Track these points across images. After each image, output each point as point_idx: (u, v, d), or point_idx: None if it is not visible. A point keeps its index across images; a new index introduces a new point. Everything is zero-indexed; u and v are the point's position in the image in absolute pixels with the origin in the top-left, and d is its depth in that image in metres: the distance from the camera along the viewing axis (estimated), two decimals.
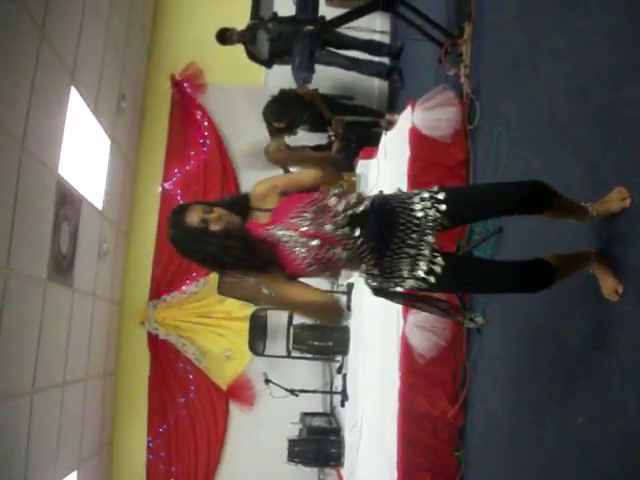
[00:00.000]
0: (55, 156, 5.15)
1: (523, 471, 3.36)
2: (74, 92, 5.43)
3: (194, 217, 2.48)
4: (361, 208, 2.52)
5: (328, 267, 2.54)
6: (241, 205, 2.63)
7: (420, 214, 2.52)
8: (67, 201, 5.47)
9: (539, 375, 3.30)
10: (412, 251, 2.50)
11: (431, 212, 2.52)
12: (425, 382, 4.22)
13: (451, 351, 4.16)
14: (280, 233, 2.54)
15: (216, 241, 2.45)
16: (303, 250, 2.49)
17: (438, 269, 2.48)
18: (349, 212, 2.51)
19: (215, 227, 2.45)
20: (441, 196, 2.54)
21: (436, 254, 2.50)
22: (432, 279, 2.49)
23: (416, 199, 2.56)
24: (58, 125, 5.18)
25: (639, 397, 2.41)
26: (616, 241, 2.67)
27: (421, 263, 2.49)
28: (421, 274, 2.49)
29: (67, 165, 5.37)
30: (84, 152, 5.98)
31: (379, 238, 2.50)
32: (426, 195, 2.56)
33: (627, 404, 2.47)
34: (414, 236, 2.51)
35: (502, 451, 3.67)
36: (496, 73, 4.31)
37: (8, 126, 4.24)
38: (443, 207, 2.51)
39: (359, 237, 2.49)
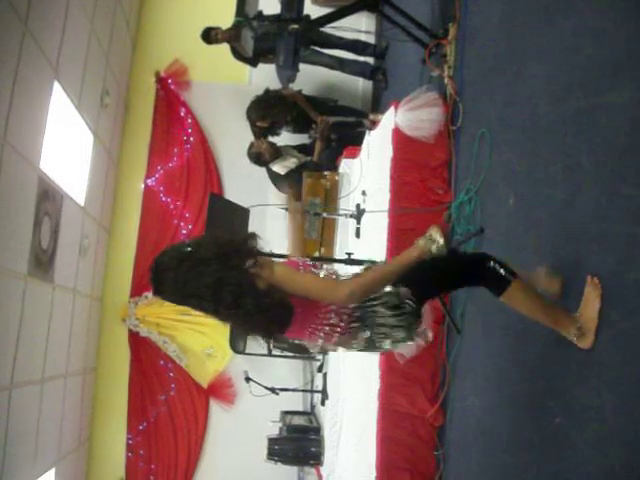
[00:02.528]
0: (37, 151, 5.12)
1: (501, 471, 3.38)
2: (57, 87, 5.41)
3: None
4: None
5: None
6: None
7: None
8: (48, 196, 5.44)
9: (518, 375, 3.31)
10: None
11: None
12: (405, 381, 4.23)
13: (431, 351, 4.17)
14: None
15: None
16: None
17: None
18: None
19: None
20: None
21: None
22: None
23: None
24: (40, 120, 5.15)
25: (615, 397, 2.44)
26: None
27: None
28: None
29: (49, 160, 5.34)
30: (66, 147, 5.95)
31: None
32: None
33: (603, 404, 2.49)
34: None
35: (481, 451, 3.69)
36: (480, 74, 4.33)
37: None
38: None
39: None
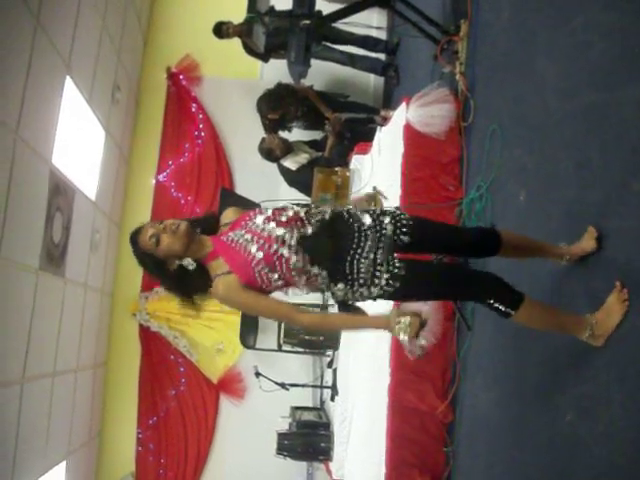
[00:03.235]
0: (49, 146, 5.14)
1: (511, 467, 3.37)
2: (69, 82, 5.43)
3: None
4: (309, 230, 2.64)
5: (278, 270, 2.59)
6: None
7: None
8: (60, 191, 5.46)
9: (528, 372, 3.31)
10: (370, 268, 2.60)
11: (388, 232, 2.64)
12: (415, 378, 4.23)
13: (441, 347, 4.17)
14: (233, 234, 2.73)
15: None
16: (254, 248, 2.59)
17: (398, 279, 2.59)
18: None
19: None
20: (408, 222, 2.69)
21: (395, 263, 2.60)
22: (394, 286, 2.60)
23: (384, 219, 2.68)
24: (52, 115, 5.17)
25: (624, 393, 2.43)
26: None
27: (381, 273, 2.59)
28: (383, 282, 2.59)
29: (61, 155, 5.36)
30: (78, 142, 5.97)
31: (332, 262, 2.61)
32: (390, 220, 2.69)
33: (613, 401, 2.49)
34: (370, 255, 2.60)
35: (490, 447, 3.69)
36: (491, 71, 4.33)
37: (2, 115, 4.22)
38: (406, 239, 2.66)
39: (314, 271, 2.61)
